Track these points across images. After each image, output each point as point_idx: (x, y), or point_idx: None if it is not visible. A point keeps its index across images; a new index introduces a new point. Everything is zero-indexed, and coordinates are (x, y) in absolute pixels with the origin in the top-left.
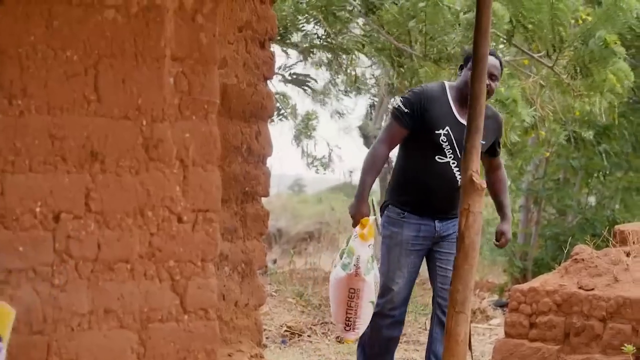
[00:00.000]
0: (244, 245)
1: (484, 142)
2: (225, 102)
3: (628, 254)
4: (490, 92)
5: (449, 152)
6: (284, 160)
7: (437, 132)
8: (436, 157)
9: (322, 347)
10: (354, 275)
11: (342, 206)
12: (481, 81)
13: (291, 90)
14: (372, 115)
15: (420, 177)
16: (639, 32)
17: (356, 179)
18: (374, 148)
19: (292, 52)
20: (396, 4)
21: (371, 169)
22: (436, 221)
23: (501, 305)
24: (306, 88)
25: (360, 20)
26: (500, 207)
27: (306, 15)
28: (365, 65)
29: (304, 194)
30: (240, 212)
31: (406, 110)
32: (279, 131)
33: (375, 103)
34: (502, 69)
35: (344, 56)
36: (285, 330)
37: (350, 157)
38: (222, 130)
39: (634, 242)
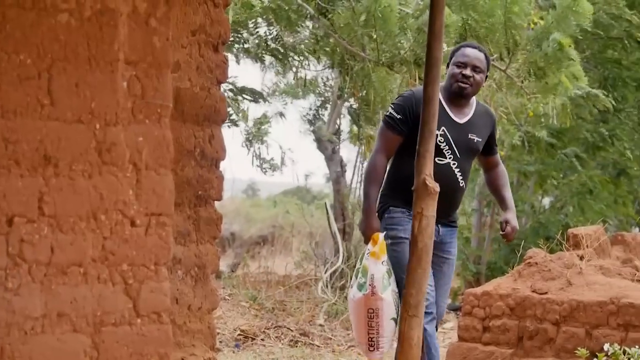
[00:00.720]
0: (197, 249)
1: (479, 140)
2: (179, 105)
3: (581, 258)
4: (474, 85)
5: (448, 153)
6: (238, 164)
7: None
8: (435, 159)
9: (276, 351)
10: (371, 295)
11: (296, 210)
12: (434, 84)
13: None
14: (326, 119)
15: None
16: (594, 34)
17: (311, 182)
18: (372, 159)
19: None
20: (352, 6)
21: (374, 181)
22: (439, 225)
23: (454, 309)
24: (257, 98)
25: (312, 24)
26: (502, 200)
27: (256, 19)
28: (317, 69)
29: (258, 197)
30: (193, 215)
31: (398, 116)
32: (232, 135)
33: (327, 106)
34: (488, 62)
35: (295, 59)
36: (239, 334)
37: (305, 161)
38: (175, 134)
39: (587, 246)
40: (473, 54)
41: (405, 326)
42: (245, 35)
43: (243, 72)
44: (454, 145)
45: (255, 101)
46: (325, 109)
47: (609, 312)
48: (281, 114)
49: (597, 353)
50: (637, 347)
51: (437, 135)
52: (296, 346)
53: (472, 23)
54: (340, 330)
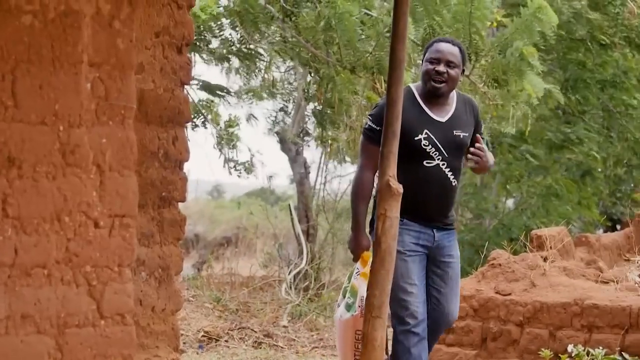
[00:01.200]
0: (160, 251)
1: (466, 134)
2: (142, 107)
3: (545, 259)
4: (450, 81)
5: (435, 154)
6: (204, 166)
7: (416, 138)
8: (424, 162)
9: (240, 352)
10: (359, 316)
11: (260, 211)
12: (398, 86)
13: (206, 95)
14: (290, 121)
15: (413, 186)
16: (558, 35)
17: (275, 183)
18: (358, 175)
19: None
20: (316, 9)
21: (361, 198)
22: (434, 230)
23: None
24: (223, 95)
25: (278, 27)
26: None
27: (222, 21)
28: (282, 71)
29: (222, 199)
30: (157, 217)
31: (377, 127)
32: (202, 137)
33: (286, 108)
34: (463, 55)
35: (260, 61)
36: (203, 336)
37: (270, 162)
38: (139, 136)
39: (551, 247)
40: (446, 48)
41: (369, 327)
42: (210, 37)
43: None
44: (440, 146)
45: (223, 97)
46: (286, 112)
47: (573, 313)
48: (252, 116)
49: (560, 354)
50: (600, 348)
51: (420, 139)
52: (260, 347)
53: (436, 28)
54: (304, 331)
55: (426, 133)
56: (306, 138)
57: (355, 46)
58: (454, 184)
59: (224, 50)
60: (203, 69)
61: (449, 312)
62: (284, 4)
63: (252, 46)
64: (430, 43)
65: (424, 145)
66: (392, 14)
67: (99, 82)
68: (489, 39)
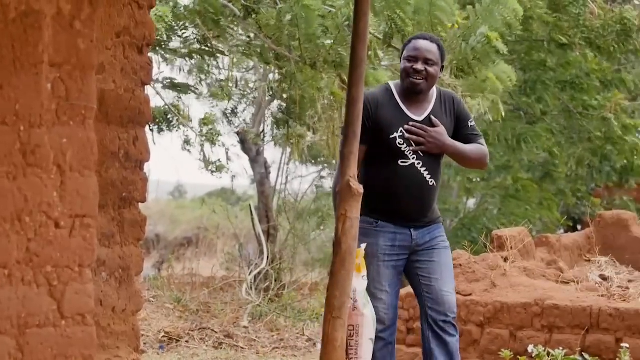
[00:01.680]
0: (121, 251)
1: None
2: (103, 107)
3: (506, 259)
4: (429, 78)
5: (410, 154)
6: (165, 166)
7: (391, 136)
8: (399, 162)
9: (200, 353)
10: (352, 309)
11: (221, 212)
12: (359, 85)
13: (169, 95)
14: (251, 120)
15: (387, 184)
16: (519, 36)
17: (236, 184)
18: (337, 173)
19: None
20: (277, 6)
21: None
22: (412, 230)
23: None
24: (189, 93)
25: (240, 25)
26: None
27: (184, 20)
28: (243, 70)
29: (183, 199)
30: (117, 217)
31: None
32: (170, 138)
33: (246, 108)
34: (441, 52)
35: (222, 60)
36: (163, 336)
37: (231, 163)
38: (99, 136)
39: (511, 247)
40: (424, 46)
41: (329, 328)
42: (171, 36)
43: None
44: (415, 145)
45: (188, 94)
46: (244, 110)
47: (534, 313)
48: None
49: (520, 355)
50: (561, 348)
51: (395, 138)
52: (220, 348)
53: (398, 22)
54: (265, 332)
55: (401, 131)
56: (267, 138)
57: (316, 41)
58: (431, 183)
59: (186, 50)
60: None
61: (444, 295)
62: (245, 2)
63: (213, 44)
64: (408, 40)
65: (398, 143)
66: (352, 9)
67: (60, 82)
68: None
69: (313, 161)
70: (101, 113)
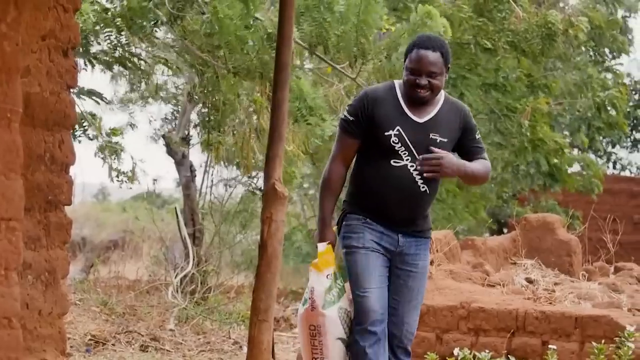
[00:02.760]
0: (47, 254)
1: (444, 140)
2: (29, 110)
3: (432, 262)
4: (434, 89)
5: (404, 154)
6: (89, 168)
7: (386, 133)
8: (391, 162)
9: (127, 356)
10: (310, 309)
11: (146, 215)
12: (284, 89)
13: (93, 105)
14: (176, 124)
15: (377, 184)
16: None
17: (161, 187)
18: (327, 167)
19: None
20: (203, 13)
21: (327, 190)
22: (400, 235)
23: None
24: (99, 101)
25: (164, 30)
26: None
27: (108, 25)
28: (168, 75)
29: (109, 202)
30: (43, 220)
31: (351, 118)
32: (85, 145)
33: (172, 112)
34: (446, 58)
35: (146, 66)
36: (90, 339)
37: (156, 166)
38: (25, 139)
39: (437, 250)
40: (426, 58)
41: (255, 330)
42: (95, 41)
43: (93, 80)
44: (411, 146)
45: (100, 102)
46: (170, 116)
47: (460, 316)
48: (132, 125)
49: (447, 357)
50: (487, 351)
51: (390, 135)
52: (147, 351)
53: (322, 32)
54: (191, 335)
55: (398, 130)
56: (191, 142)
57: (239, 50)
58: (422, 189)
59: (109, 56)
60: (87, 76)
61: (404, 322)
62: (170, 9)
63: (137, 50)
64: (411, 47)
65: (392, 142)
66: (277, 18)
67: None
68: (376, 43)
69: (237, 165)
70: (27, 116)
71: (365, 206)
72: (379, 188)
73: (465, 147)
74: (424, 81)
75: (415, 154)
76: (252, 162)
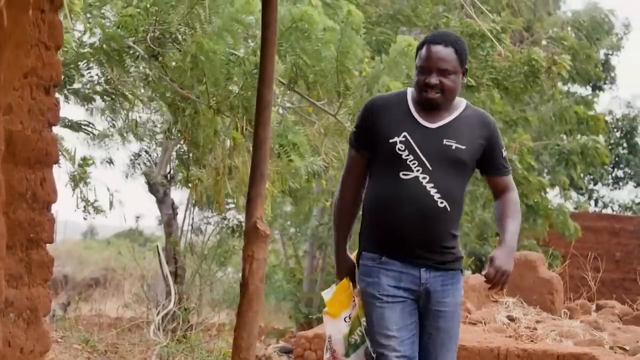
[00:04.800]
0: (29, 292)
1: (462, 147)
2: (11, 148)
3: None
4: (446, 91)
5: (413, 164)
6: (72, 206)
7: (390, 140)
8: (400, 174)
9: None
10: (332, 359)
11: (128, 252)
12: (265, 129)
13: (69, 135)
14: (157, 162)
15: (386, 204)
16: None
17: (143, 225)
18: (337, 190)
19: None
20: (180, 51)
21: (337, 217)
22: (422, 270)
23: (286, 352)
24: (86, 133)
25: (143, 66)
26: (500, 231)
27: (88, 60)
28: (148, 111)
29: (91, 240)
30: (25, 258)
31: (356, 129)
32: (57, 176)
33: (151, 149)
34: (460, 55)
35: (124, 102)
36: None
37: (136, 203)
38: (7, 177)
39: None
40: (437, 53)
41: None
42: (75, 76)
43: (72, 114)
44: (420, 154)
45: (87, 133)
46: (150, 153)
47: None
48: (110, 161)
49: None
50: None
51: (395, 142)
52: None
53: (302, 67)
54: None
55: (404, 136)
56: (173, 179)
57: (222, 85)
58: (440, 205)
59: (89, 91)
60: (66, 110)
61: None
62: (151, 44)
63: (118, 86)
64: (421, 44)
65: (398, 149)
66: (259, 55)
67: None
68: (356, 79)
69: (211, 205)
70: (8, 154)
71: (378, 238)
72: (388, 208)
73: (490, 164)
74: (434, 80)
75: (427, 164)
76: (224, 200)
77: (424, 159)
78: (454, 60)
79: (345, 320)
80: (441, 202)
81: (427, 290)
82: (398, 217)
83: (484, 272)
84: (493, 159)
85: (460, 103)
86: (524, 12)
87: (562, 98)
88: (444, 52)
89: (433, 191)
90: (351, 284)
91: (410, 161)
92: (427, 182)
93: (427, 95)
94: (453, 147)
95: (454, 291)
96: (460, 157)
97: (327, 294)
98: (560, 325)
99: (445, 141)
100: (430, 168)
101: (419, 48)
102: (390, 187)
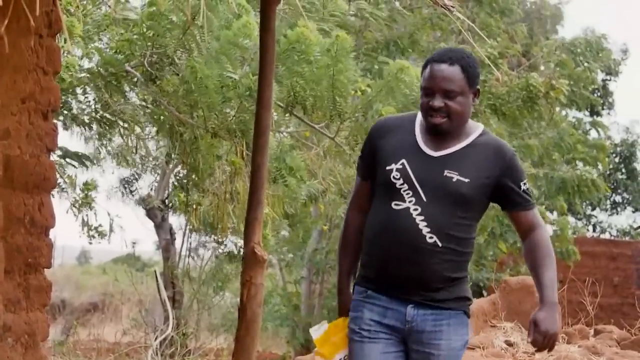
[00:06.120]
0: (27, 317)
1: (465, 180)
2: (8, 173)
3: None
4: (453, 115)
5: (407, 194)
6: (68, 231)
7: (387, 167)
8: (392, 204)
9: None
10: None
11: (125, 277)
12: (262, 154)
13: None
14: (155, 187)
15: (374, 234)
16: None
17: (141, 249)
18: (344, 218)
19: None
20: (177, 75)
21: (341, 247)
22: (409, 306)
23: None
24: (86, 164)
25: (140, 90)
26: (537, 286)
27: (85, 86)
28: (146, 136)
29: (89, 265)
30: (23, 283)
31: (361, 154)
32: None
33: (149, 174)
34: (469, 74)
35: (122, 127)
36: None
37: (133, 229)
38: (5, 202)
39: None
40: (440, 73)
41: None
42: (72, 101)
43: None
44: (416, 184)
45: (83, 165)
46: (143, 178)
47: None
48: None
49: None
50: None
51: (392, 170)
52: None
53: (299, 90)
54: None
55: (402, 163)
56: (171, 205)
57: (218, 109)
58: (429, 240)
59: (85, 117)
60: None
61: None
62: (149, 68)
63: (115, 109)
64: (425, 63)
65: (393, 177)
66: (254, 78)
67: None
68: (353, 101)
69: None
70: (6, 179)
71: (368, 271)
72: (377, 239)
73: (507, 199)
74: (437, 102)
75: (422, 195)
76: (227, 225)
77: (419, 189)
78: (461, 80)
79: None
80: (430, 237)
81: (414, 329)
82: (385, 248)
83: (529, 339)
84: (508, 193)
85: (475, 129)
86: (520, 37)
87: (561, 122)
88: (449, 70)
89: (422, 224)
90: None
91: (404, 191)
92: (417, 214)
93: (432, 120)
94: (454, 180)
95: (451, 334)
96: (461, 192)
97: (316, 332)
98: (559, 350)
99: (446, 172)
100: (425, 200)
101: (424, 68)
102: (381, 217)
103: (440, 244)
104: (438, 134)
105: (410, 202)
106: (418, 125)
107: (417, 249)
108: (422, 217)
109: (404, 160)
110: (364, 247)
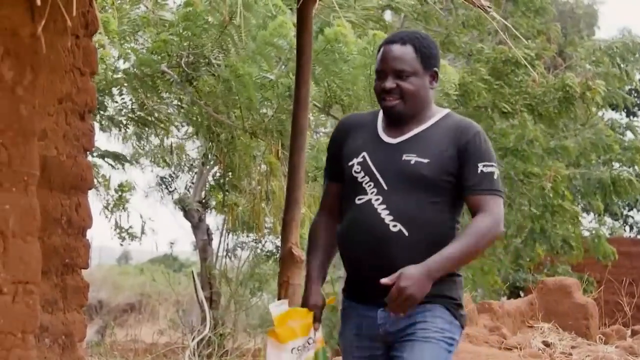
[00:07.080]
0: (64, 317)
1: (424, 161)
2: (45, 173)
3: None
4: (407, 96)
5: (369, 186)
6: (108, 232)
7: (349, 163)
8: (356, 199)
9: None
10: None
11: (163, 278)
12: (300, 154)
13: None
14: (192, 188)
15: (342, 235)
16: (458, 102)
17: (178, 250)
18: (313, 220)
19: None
20: (214, 75)
21: (311, 245)
22: (379, 310)
23: None
24: (122, 163)
25: (177, 91)
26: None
27: (121, 86)
28: (181, 136)
29: (126, 265)
30: (60, 284)
31: (327, 156)
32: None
33: (186, 175)
34: (423, 53)
35: (159, 127)
36: None
37: (170, 230)
38: (42, 202)
39: None
40: (391, 53)
41: None
42: (109, 102)
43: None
44: (377, 174)
45: (121, 165)
46: (182, 178)
47: None
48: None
49: None
50: None
51: (353, 165)
52: None
53: (336, 90)
54: None
55: (363, 156)
56: (207, 205)
57: (256, 108)
58: (393, 228)
59: (121, 118)
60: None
61: None
62: (186, 68)
63: (152, 109)
64: (380, 44)
65: (354, 172)
66: (294, 78)
67: (2, 148)
68: None
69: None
70: (43, 179)
71: (348, 273)
72: (345, 238)
73: (461, 180)
74: (389, 83)
75: (383, 184)
76: (263, 225)
77: (380, 179)
78: (413, 59)
79: (292, 352)
80: (394, 226)
81: (387, 331)
82: (354, 246)
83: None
84: (465, 173)
85: (439, 113)
86: (557, 38)
87: (598, 122)
88: (400, 50)
89: (384, 213)
90: (313, 319)
91: (365, 183)
92: (379, 204)
93: (385, 103)
94: (412, 162)
95: (427, 322)
96: (421, 173)
97: (276, 308)
98: (596, 350)
99: (404, 156)
100: (386, 188)
101: (377, 51)
102: (348, 215)
103: (406, 233)
104: (396, 120)
105: (372, 193)
106: (380, 118)
107: (382, 239)
108: (384, 206)
109: (364, 153)
110: (344, 255)
